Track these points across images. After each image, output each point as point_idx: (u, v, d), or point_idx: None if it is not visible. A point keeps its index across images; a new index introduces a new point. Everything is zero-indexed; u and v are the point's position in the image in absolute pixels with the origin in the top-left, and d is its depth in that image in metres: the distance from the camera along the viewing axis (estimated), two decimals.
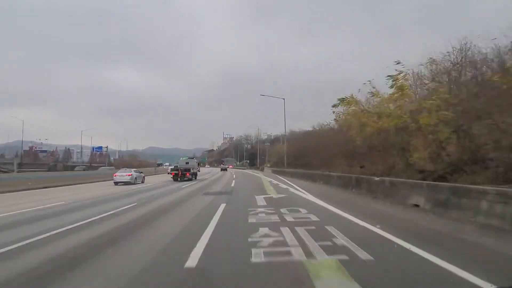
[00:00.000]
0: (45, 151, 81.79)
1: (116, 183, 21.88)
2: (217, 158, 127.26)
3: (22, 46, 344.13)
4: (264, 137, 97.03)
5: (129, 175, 22.70)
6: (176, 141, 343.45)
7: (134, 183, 21.99)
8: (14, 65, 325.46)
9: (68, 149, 78.07)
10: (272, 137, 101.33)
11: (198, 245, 4.77)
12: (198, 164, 31.62)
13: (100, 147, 48.95)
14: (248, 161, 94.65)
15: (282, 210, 8.15)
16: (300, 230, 5.64)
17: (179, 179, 24.56)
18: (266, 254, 4.24)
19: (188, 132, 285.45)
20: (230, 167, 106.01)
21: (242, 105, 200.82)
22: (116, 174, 23.31)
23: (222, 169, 64.25)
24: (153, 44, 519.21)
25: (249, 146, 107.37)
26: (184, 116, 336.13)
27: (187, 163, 27.00)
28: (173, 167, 27.63)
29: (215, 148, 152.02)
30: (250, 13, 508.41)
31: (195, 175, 27.37)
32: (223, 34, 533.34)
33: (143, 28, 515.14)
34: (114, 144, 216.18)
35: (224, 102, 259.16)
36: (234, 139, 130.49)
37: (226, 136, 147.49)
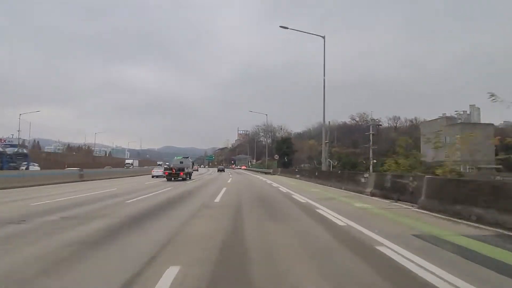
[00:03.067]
0: (15, 145, 66.44)
1: (153, 177, 28.40)
2: (228, 156, 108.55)
3: (37, 43, 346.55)
4: (284, 134, 79.73)
5: (161, 171, 28.51)
6: (193, 140, 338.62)
7: None
8: (30, 64, 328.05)
9: (38, 142, 62.55)
10: (293, 134, 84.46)
11: None
12: (193, 163, 31.43)
13: None
14: (276, 158, 56.63)
15: None
16: None
17: (172, 178, 23.32)
18: None
19: (204, 131, 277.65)
20: (243, 168, 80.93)
21: (261, 103, 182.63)
22: (153, 170, 30.90)
23: (219, 170, 55.81)
24: (170, 42, 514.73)
25: (268, 140, 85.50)
26: (201, 116, 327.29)
27: (181, 162, 26.00)
28: (167, 166, 27.89)
29: (229, 146, 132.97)
30: (269, 8, 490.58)
31: (189, 175, 25.89)
32: (241, 30, 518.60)
33: (160, 24, 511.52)
34: (128, 143, 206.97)
35: (242, 100, 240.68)
36: (250, 133, 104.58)
37: (241, 132, 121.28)
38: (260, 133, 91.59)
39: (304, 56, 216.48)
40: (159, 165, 52.06)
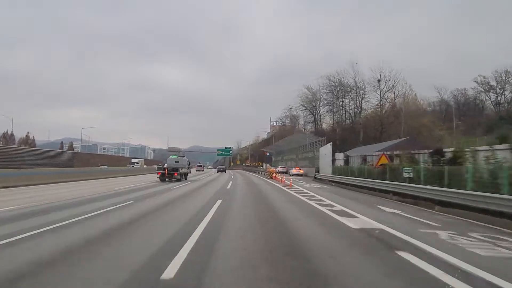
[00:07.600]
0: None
1: None
2: (258, 148, 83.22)
3: (68, 43, 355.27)
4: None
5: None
6: (221, 140, 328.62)
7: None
8: (61, 65, 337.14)
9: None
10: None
11: None
12: (189, 163, 30.07)
13: None
14: None
15: None
16: None
17: (166, 179, 22.50)
18: None
19: (233, 131, 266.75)
20: (296, 170, 39.57)
21: (292, 101, 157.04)
22: None
23: (219, 171, 47.21)
24: (200, 40, 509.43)
25: (344, 119, 46.16)
26: (230, 115, 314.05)
27: (176, 161, 24.80)
28: (160, 166, 26.40)
29: (259, 140, 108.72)
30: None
31: (185, 175, 25.13)
32: (272, 24, 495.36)
33: (189, 21, 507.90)
34: (157, 143, 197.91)
35: (273, 99, 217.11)
36: (287, 114, 74.90)
37: (274, 123, 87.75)
38: (321, 91, 53.79)
39: (342, 51, 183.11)
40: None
